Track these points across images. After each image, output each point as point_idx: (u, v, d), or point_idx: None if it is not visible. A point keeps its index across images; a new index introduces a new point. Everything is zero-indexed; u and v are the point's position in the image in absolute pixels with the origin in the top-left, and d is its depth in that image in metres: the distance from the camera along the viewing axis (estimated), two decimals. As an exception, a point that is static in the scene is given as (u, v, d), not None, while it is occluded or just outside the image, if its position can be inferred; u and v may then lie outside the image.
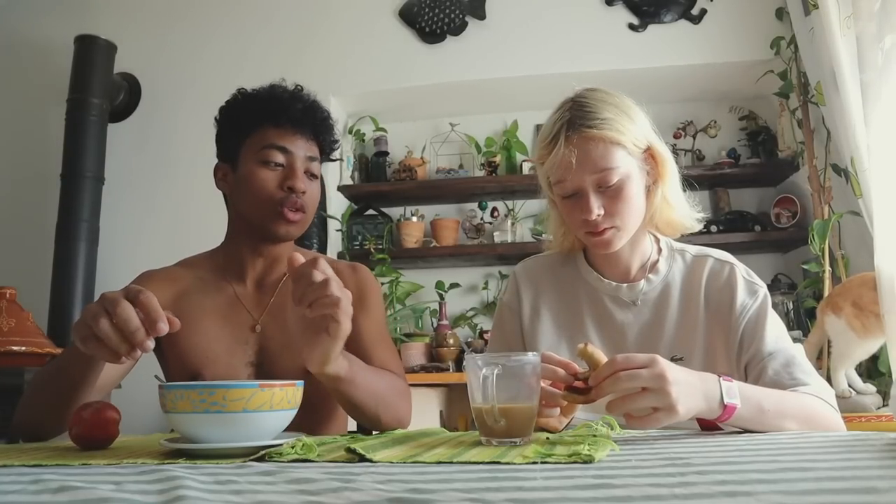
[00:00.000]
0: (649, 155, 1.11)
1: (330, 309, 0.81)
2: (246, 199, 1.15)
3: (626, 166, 1.06)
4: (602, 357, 0.82)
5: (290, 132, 1.14)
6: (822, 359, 2.25)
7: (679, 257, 1.18)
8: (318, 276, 0.80)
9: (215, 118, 1.21)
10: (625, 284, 1.16)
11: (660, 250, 1.19)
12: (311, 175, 1.17)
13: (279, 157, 1.13)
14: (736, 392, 0.84)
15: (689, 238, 1.21)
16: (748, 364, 1.06)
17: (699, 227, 1.18)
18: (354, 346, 1.13)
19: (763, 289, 1.11)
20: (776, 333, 1.07)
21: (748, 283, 1.11)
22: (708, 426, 0.90)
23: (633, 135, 1.07)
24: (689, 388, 0.80)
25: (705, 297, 1.12)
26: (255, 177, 1.13)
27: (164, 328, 0.77)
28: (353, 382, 0.95)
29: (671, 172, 1.13)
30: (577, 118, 1.06)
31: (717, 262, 1.15)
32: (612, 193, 1.06)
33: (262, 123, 1.15)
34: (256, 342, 1.16)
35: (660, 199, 1.12)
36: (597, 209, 1.05)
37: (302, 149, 1.15)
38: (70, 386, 0.94)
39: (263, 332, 1.16)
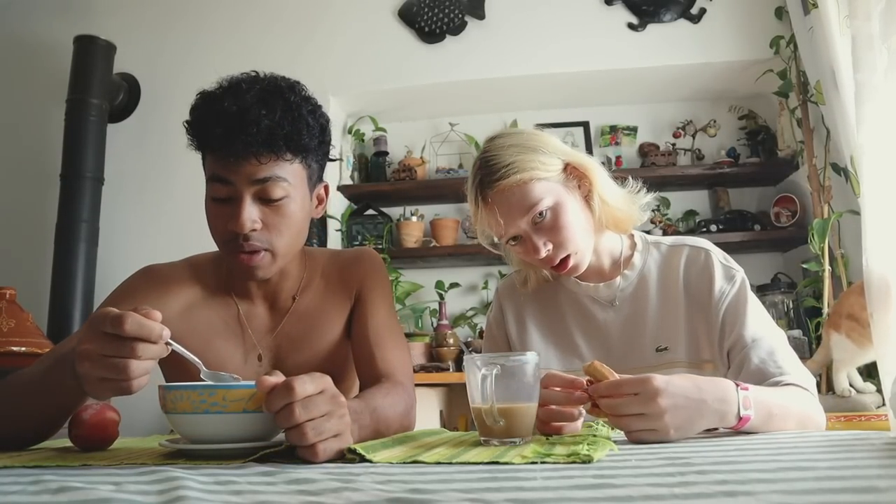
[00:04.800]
0: (571, 168, 1.11)
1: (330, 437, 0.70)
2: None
3: (550, 195, 1.07)
4: (607, 373, 0.82)
5: (225, 158, 0.94)
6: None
7: (654, 249, 1.19)
8: (301, 415, 0.67)
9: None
10: (602, 284, 1.17)
11: (633, 245, 1.20)
12: (268, 201, 0.96)
13: (222, 191, 0.96)
14: (752, 402, 0.83)
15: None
16: (731, 350, 1.06)
17: (646, 216, 1.16)
18: (359, 342, 1.11)
19: (740, 273, 1.11)
20: (757, 319, 1.07)
21: (725, 267, 1.12)
22: None
23: (542, 164, 1.07)
24: (689, 412, 0.79)
25: (684, 284, 1.13)
26: (208, 212, 0.99)
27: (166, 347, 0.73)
28: (365, 439, 0.86)
29: (598, 175, 1.12)
30: (485, 177, 1.08)
31: (692, 248, 1.16)
32: (550, 224, 1.07)
33: (204, 149, 0.98)
34: (266, 371, 1.07)
35: (599, 204, 1.12)
36: (543, 246, 1.07)
37: (246, 175, 0.94)
38: (58, 407, 0.85)
39: (275, 360, 1.09)
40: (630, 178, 1.17)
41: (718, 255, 1.14)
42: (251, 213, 0.95)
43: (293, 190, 0.98)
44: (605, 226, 1.15)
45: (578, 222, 1.09)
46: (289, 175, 0.97)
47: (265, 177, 0.95)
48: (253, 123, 0.91)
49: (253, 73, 1.00)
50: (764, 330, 1.06)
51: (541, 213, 1.06)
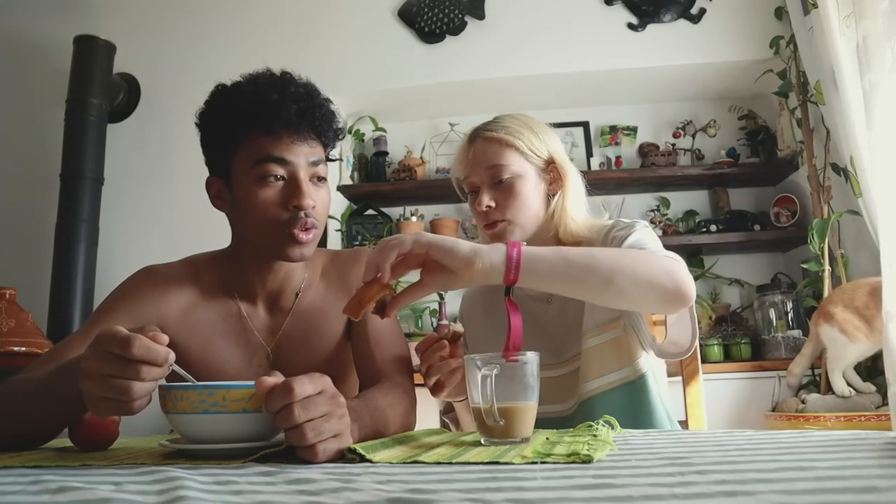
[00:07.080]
0: (553, 167, 1.20)
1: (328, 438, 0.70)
2: (248, 222, 1.01)
3: (519, 167, 1.18)
4: None
5: (286, 139, 0.98)
6: (819, 357, 2.25)
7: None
8: (300, 416, 0.67)
9: (196, 123, 1.04)
10: None
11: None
12: (318, 179, 1.02)
13: (278, 171, 0.98)
14: (528, 252, 0.86)
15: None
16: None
17: (595, 237, 1.19)
18: (359, 342, 1.11)
19: (640, 222, 1.13)
20: (639, 237, 1.08)
21: (621, 221, 1.15)
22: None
23: (531, 142, 1.19)
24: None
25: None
26: (255, 198, 0.98)
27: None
28: (365, 439, 0.85)
29: (573, 186, 1.21)
30: (482, 125, 1.23)
31: (605, 228, 1.17)
32: (504, 189, 1.17)
33: (251, 131, 0.99)
34: (267, 371, 1.02)
35: (559, 208, 1.19)
36: (487, 201, 1.17)
37: (304, 155, 1.00)
38: (59, 415, 0.83)
39: (276, 360, 1.09)
40: (603, 208, 1.22)
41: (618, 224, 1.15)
42: (311, 188, 1.00)
43: (327, 174, 1.06)
44: (555, 228, 1.20)
45: (530, 202, 1.18)
46: (324, 159, 1.05)
47: (317, 159, 1.02)
48: (319, 106, 1.02)
49: (281, 70, 1.06)
50: (641, 239, 1.07)
51: (500, 174, 1.17)
